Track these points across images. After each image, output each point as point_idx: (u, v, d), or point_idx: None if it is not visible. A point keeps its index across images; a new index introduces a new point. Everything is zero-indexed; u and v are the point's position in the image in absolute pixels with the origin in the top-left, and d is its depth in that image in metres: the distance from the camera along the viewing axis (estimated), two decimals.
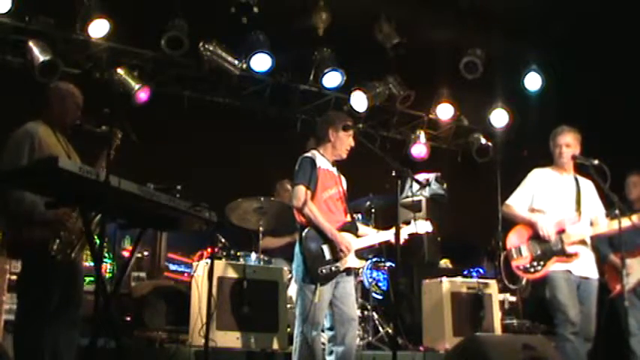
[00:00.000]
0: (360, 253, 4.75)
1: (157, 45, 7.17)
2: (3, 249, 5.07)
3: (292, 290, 5.98)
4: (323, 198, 4.67)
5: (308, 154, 4.75)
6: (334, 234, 4.58)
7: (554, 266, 4.92)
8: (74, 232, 3.96)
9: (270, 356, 5.54)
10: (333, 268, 4.55)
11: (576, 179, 5.16)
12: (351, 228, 4.73)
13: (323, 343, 4.69)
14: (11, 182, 3.69)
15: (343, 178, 4.90)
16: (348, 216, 4.81)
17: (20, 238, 3.97)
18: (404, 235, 4.81)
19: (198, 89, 7.86)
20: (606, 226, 5.00)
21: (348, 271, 4.66)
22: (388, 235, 4.79)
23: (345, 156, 4.81)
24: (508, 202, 5.22)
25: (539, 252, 4.99)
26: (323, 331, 4.65)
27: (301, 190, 4.60)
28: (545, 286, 4.97)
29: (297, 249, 4.62)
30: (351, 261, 4.64)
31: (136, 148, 4.45)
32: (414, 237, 5.02)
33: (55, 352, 3.98)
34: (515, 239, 5.12)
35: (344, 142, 4.76)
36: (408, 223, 4.97)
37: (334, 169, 4.83)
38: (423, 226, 5.04)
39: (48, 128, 4.18)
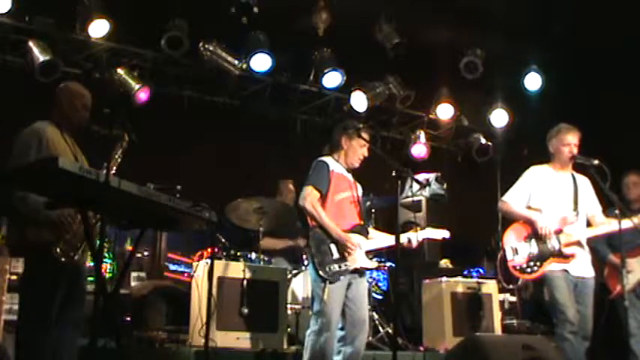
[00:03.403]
0: (370, 255, 4.78)
1: (157, 45, 7.18)
2: (4, 249, 5.09)
3: (293, 290, 5.99)
4: (335, 200, 4.71)
5: (322, 159, 4.82)
6: (339, 233, 4.60)
7: (551, 266, 4.91)
8: (78, 234, 3.97)
9: (270, 356, 5.54)
10: (343, 267, 4.56)
11: (573, 177, 5.15)
12: (361, 230, 4.76)
13: None
14: (11, 182, 3.69)
15: (359, 186, 4.94)
16: (362, 221, 4.81)
17: (25, 239, 3.98)
18: (419, 238, 4.82)
19: (198, 89, 7.85)
20: (604, 225, 5.00)
21: (360, 272, 4.68)
22: (401, 238, 4.73)
23: (357, 165, 4.87)
24: (504, 198, 5.20)
25: (536, 252, 4.97)
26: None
27: (308, 189, 4.66)
28: (543, 287, 4.96)
29: (307, 249, 4.65)
30: (361, 260, 4.65)
31: (136, 148, 4.46)
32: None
33: (57, 352, 3.98)
34: (511, 239, 5.09)
35: (356, 151, 4.82)
36: (423, 227, 4.99)
37: (349, 175, 4.88)
38: (439, 233, 5.05)
39: (56, 129, 4.18)
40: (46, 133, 4.08)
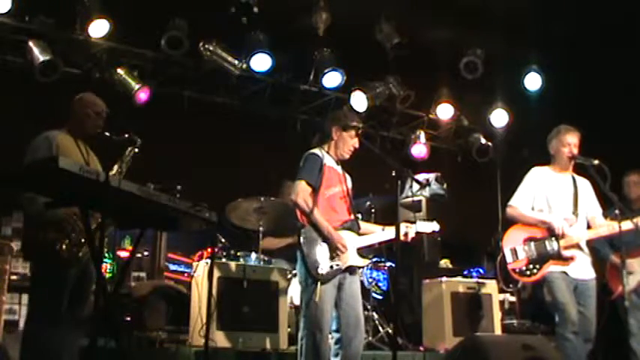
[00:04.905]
0: (362, 252, 4.69)
1: (157, 45, 7.18)
2: (5, 248, 5.11)
3: (293, 290, 5.99)
4: (325, 195, 4.61)
5: (313, 151, 4.71)
6: (330, 232, 4.51)
7: (551, 268, 4.90)
8: (82, 231, 3.98)
9: (270, 356, 5.54)
10: (334, 266, 4.48)
11: (574, 179, 5.14)
12: (352, 226, 4.67)
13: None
14: (12, 183, 3.70)
15: (348, 177, 4.85)
16: (352, 215, 4.73)
17: (36, 239, 4.02)
18: (411, 233, 4.76)
19: (198, 89, 7.86)
20: (604, 227, 4.98)
21: (352, 270, 4.59)
22: (391, 234, 4.68)
23: (347, 157, 4.76)
24: (512, 203, 5.16)
25: (535, 255, 4.96)
26: (330, 333, 4.56)
27: (301, 185, 4.56)
28: (544, 288, 4.95)
29: (298, 248, 4.59)
30: (352, 259, 4.56)
31: (136, 148, 4.48)
32: (418, 236, 4.97)
33: (59, 352, 3.99)
34: (510, 241, 5.08)
35: (347, 142, 4.71)
36: (413, 222, 4.94)
37: (339, 168, 4.78)
38: (430, 226, 5.00)
39: (69, 136, 4.31)
40: (56, 138, 4.20)
